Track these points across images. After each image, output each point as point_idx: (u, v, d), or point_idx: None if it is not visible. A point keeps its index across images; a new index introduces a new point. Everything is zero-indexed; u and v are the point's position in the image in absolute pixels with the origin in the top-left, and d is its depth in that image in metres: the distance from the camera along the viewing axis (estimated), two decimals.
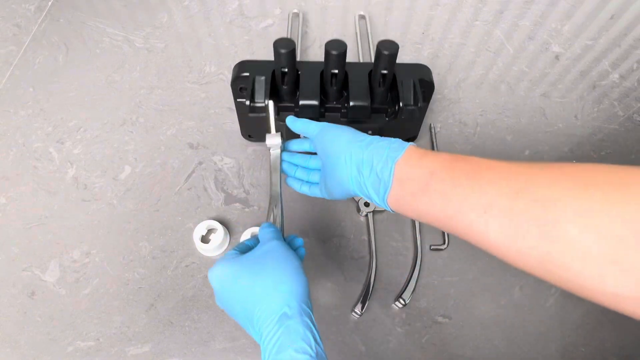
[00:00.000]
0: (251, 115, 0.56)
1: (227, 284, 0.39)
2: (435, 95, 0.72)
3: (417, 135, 0.66)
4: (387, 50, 0.49)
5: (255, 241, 0.45)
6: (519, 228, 0.28)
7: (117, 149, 0.65)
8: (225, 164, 0.64)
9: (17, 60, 0.74)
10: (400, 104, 0.55)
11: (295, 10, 0.81)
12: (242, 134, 0.65)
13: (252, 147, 0.66)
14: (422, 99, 0.56)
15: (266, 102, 0.54)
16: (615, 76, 0.76)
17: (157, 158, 0.65)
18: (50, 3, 0.82)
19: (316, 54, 0.76)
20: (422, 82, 0.56)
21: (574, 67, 0.77)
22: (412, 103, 0.55)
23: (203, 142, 0.66)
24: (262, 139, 0.64)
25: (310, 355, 0.33)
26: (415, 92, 0.55)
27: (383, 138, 0.42)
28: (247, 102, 0.55)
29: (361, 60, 0.75)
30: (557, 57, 0.78)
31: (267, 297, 0.36)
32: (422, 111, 0.59)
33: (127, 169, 0.64)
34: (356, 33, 0.78)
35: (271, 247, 0.41)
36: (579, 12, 0.85)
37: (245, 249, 0.44)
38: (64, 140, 0.66)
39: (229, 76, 0.72)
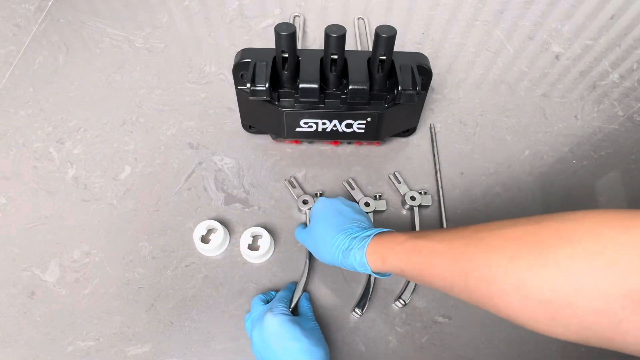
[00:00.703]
0: (252, 98, 0.56)
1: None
2: (435, 95, 0.72)
3: (416, 126, 0.66)
4: (386, 33, 0.50)
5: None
6: (478, 302, 0.34)
7: (117, 149, 0.65)
8: (225, 164, 0.64)
9: (17, 60, 0.74)
10: (399, 88, 0.55)
11: (297, 14, 0.81)
12: (243, 125, 0.66)
13: (252, 146, 0.66)
14: (421, 85, 0.56)
15: (266, 85, 0.54)
16: (615, 76, 0.76)
17: (157, 158, 0.65)
18: (50, 3, 0.82)
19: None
20: (421, 68, 0.57)
21: (574, 67, 0.77)
22: (410, 87, 0.55)
23: (203, 142, 0.66)
24: (262, 129, 0.65)
25: None
26: (413, 77, 0.55)
27: (349, 249, 0.44)
28: (248, 85, 0.55)
29: (369, 43, 0.74)
30: (557, 57, 0.78)
31: None
32: (421, 98, 0.59)
33: (127, 169, 0.64)
34: (355, 34, 0.78)
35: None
36: (579, 12, 0.85)
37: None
38: (64, 140, 0.66)
39: (229, 76, 0.72)
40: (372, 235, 0.44)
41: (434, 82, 0.72)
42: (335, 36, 0.50)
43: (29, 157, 0.64)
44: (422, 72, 0.57)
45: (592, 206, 0.63)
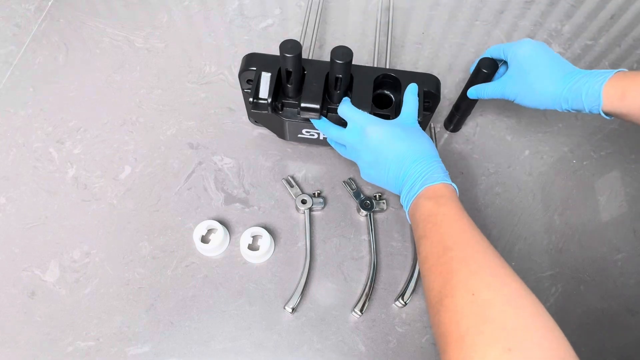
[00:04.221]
0: (254, 111, 0.56)
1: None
2: None
3: None
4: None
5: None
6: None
7: (117, 149, 0.65)
8: (225, 164, 0.64)
9: (17, 60, 0.74)
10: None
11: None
12: (249, 119, 0.66)
13: (252, 146, 0.66)
14: (425, 109, 0.56)
15: (269, 99, 0.54)
16: None
17: (157, 158, 0.65)
18: (50, 3, 0.82)
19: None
20: (428, 93, 0.56)
21: None
22: None
23: (203, 142, 0.66)
24: (266, 125, 0.65)
25: None
26: (418, 104, 0.55)
27: (417, 171, 0.46)
28: (251, 99, 0.55)
29: (376, 56, 0.74)
30: None
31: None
32: (426, 119, 0.59)
33: (127, 169, 0.64)
34: (387, 30, 0.77)
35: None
36: (579, 12, 0.84)
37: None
38: (64, 140, 0.66)
39: (229, 76, 0.72)
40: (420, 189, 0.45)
41: None
42: (340, 63, 0.50)
43: (29, 157, 0.64)
44: (429, 96, 0.57)
45: (592, 206, 0.63)
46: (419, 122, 0.54)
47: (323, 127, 0.55)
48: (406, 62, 0.75)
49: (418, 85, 0.55)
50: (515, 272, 0.37)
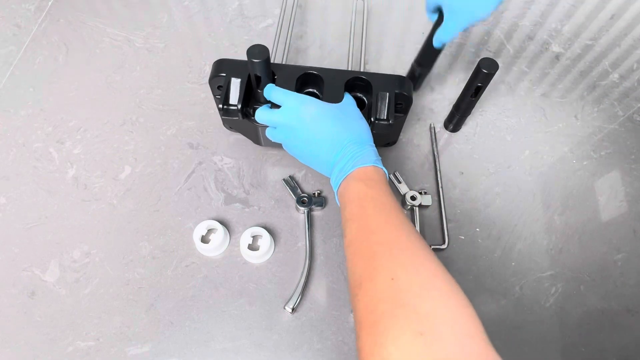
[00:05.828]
0: (224, 117, 0.56)
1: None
2: (436, 95, 0.72)
3: (396, 140, 0.66)
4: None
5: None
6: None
7: (117, 149, 0.65)
8: (225, 164, 0.64)
9: (17, 60, 0.74)
10: (372, 119, 0.54)
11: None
12: (224, 125, 0.66)
13: (252, 146, 0.66)
14: (397, 110, 0.56)
15: (239, 105, 0.54)
16: (615, 76, 0.76)
17: (157, 158, 0.65)
18: (50, 3, 0.82)
19: (315, 54, 0.76)
20: (400, 95, 0.56)
21: (574, 67, 0.77)
22: (385, 117, 0.55)
23: (203, 142, 0.66)
24: (241, 131, 0.65)
25: None
26: (389, 107, 0.55)
27: (350, 153, 0.47)
28: (220, 106, 0.55)
29: (361, 62, 0.74)
30: (557, 57, 0.78)
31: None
32: (401, 120, 0.59)
33: (127, 169, 0.64)
34: (362, 33, 0.77)
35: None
36: (579, 12, 0.85)
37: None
38: (64, 140, 0.66)
39: None
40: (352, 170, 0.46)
41: (434, 82, 0.72)
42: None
43: (29, 157, 0.64)
44: (400, 97, 0.56)
45: (592, 206, 0.63)
46: (390, 124, 0.54)
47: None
48: (406, 62, 0.75)
49: (390, 88, 0.55)
50: (434, 254, 0.37)
